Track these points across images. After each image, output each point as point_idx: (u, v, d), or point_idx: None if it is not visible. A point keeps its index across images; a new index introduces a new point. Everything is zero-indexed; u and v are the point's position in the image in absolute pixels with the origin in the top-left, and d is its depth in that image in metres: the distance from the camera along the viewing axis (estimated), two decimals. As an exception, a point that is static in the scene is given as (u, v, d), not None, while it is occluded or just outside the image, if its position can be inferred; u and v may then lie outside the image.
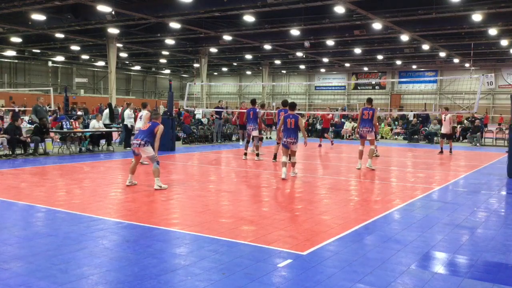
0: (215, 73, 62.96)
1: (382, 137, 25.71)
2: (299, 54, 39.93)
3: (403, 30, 27.97)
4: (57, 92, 43.49)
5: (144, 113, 12.88)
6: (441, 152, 17.24)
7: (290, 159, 10.78)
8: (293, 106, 10.81)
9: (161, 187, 9.05)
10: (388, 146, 20.92)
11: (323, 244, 5.61)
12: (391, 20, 25.18)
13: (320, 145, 19.88)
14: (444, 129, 17.28)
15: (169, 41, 34.39)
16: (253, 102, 15.14)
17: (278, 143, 13.43)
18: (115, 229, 6.21)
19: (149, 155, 9.12)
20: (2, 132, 14.01)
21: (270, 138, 24.15)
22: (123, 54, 43.20)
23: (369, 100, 12.73)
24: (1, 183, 9.47)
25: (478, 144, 22.17)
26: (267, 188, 9.70)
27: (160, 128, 9.14)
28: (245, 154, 14.68)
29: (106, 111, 19.72)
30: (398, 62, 46.74)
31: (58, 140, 15.76)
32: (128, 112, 17.40)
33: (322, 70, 56.89)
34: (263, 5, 22.06)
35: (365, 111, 12.27)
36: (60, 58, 47.21)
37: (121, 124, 18.43)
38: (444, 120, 17.15)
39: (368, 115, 12.21)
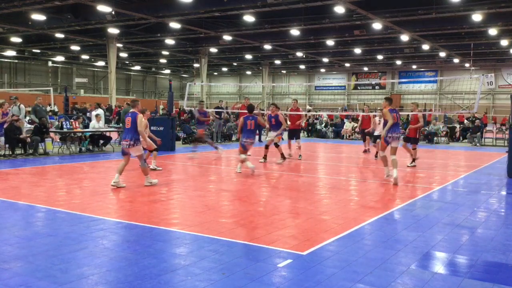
0: (215, 73, 62.94)
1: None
2: (299, 54, 39.94)
3: (403, 30, 27.97)
4: (57, 92, 43.46)
5: (99, 111, 11.76)
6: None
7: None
8: (251, 108, 11.88)
9: (151, 183, 9.13)
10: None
11: (323, 244, 5.61)
12: (391, 20, 25.17)
13: (365, 150, 16.82)
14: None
15: (169, 41, 34.39)
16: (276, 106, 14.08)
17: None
18: (115, 229, 6.21)
19: (138, 154, 9.13)
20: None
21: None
22: (123, 54, 43.19)
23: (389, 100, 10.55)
24: (1, 183, 9.46)
25: (478, 144, 22.17)
26: (267, 188, 9.70)
27: (139, 118, 8.90)
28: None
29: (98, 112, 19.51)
30: (398, 62, 46.75)
31: (58, 140, 15.76)
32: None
33: (322, 70, 56.87)
34: (263, 5, 22.06)
35: (394, 114, 10.10)
36: (60, 58, 47.20)
37: (121, 124, 18.44)
38: (378, 124, 14.67)
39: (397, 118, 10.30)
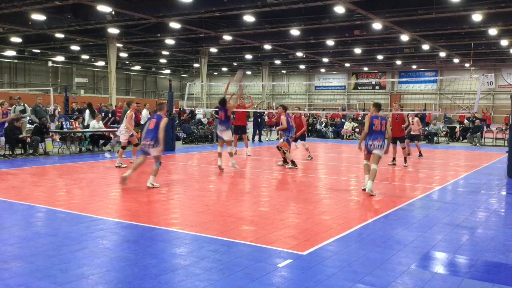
0: (215, 73, 62.97)
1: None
2: (299, 54, 39.95)
3: (403, 30, 27.98)
4: (57, 92, 43.47)
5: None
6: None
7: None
8: (222, 101, 12.08)
9: (153, 185, 9.14)
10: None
11: (323, 244, 5.61)
12: (391, 20, 25.18)
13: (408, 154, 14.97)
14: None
15: (169, 41, 34.40)
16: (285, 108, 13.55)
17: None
18: (115, 229, 6.21)
19: (157, 155, 9.16)
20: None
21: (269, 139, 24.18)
22: (123, 54, 43.19)
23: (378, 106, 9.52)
24: (1, 183, 9.46)
25: (478, 144, 22.17)
26: (267, 188, 9.70)
27: (164, 120, 9.15)
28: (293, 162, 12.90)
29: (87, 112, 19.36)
30: (398, 62, 46.76)
31: (58, 140, 15.76)
32: (145, 112, 17.65)
33: (322, 70, 56.90)
34: (263, 5, 22.06)
35: (376, 120, 9.13)
36: (60, 58, 47.20)
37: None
38: (413, 124, 15.40)
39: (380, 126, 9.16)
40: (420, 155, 15.64)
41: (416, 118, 15.94)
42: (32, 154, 14.13)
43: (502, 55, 40.33)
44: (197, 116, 28.32)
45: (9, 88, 47.88)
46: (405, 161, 13.52)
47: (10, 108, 17.07)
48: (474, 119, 25.20)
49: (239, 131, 16.62)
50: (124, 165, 11.99)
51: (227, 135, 11.92)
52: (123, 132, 12.24)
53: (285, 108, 13.28)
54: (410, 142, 15.70)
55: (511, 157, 11.52)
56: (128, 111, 12.33)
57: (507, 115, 40.67)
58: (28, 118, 16.87)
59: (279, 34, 31.12)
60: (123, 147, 12.37)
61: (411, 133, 15.51)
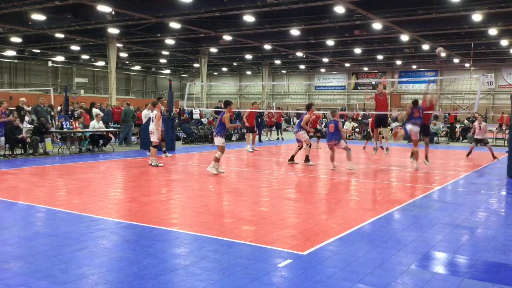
0: (215, 73, 62.95)
1: (382, 137, 25.64)
2: (299, 54, 39.96)
3: (403, 30, 27.99)
4: (57, 92, 43.44)
5: (154, 113, 12.65)
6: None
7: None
8: (225, 104, 12.11)
9: (353, 168, 11.90)
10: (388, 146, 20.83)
11: (323, 244, 5.61)
12: (391, 20, 25.18)
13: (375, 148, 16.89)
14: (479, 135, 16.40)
15: (169, 41, 34.40)
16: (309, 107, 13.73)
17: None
18: (115, 229, 6.21)
19: (344, 147, 11.93)
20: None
21: (269, 139, 24.20)
22: (123, 54, 43.17)
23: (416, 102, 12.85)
24: (1, 183, 9.46)
25: (478, 144, 22.11)
26: (267, 188, 9.70)
27: (340, 124, 11.84)
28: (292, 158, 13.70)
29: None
30: (398, 62, 46.75)
31: (58, 140, 15.76)
32: (145, 113, 17.74)
33: (322, 70, 56.89)
34: (263, 5, 22.07)
35: (415, 109, 12.56)
36: (60, 58, 47.19)
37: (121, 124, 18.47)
38: (480, 129, 16.22)
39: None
40: (494, 157, 15.59)
41: (484, 123, 16.38)
42: (32, 154, 14.13)
43: (502, 55, 40.33)
44: (194, 116, 28.34)
45: (9, 88, 47.85)
46: (412, 156, 13.52)
47: (29, 108, 17.24)
48: (474, 119, 25.18)
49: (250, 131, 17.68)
50: (161, 164, 12.43)
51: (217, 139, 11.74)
52: (154, 132, 12.58)
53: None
54: (476, 145, 16.43)
55: (511, 157, 11.53)
56: (156, 112, 12.62)
57: (505, 115, 40.70)
58: (27, 118, 16.90)
59: (279, 34, 31.12)
60: (155, 146, 12.63)
61: (475, 136, 16.37)
